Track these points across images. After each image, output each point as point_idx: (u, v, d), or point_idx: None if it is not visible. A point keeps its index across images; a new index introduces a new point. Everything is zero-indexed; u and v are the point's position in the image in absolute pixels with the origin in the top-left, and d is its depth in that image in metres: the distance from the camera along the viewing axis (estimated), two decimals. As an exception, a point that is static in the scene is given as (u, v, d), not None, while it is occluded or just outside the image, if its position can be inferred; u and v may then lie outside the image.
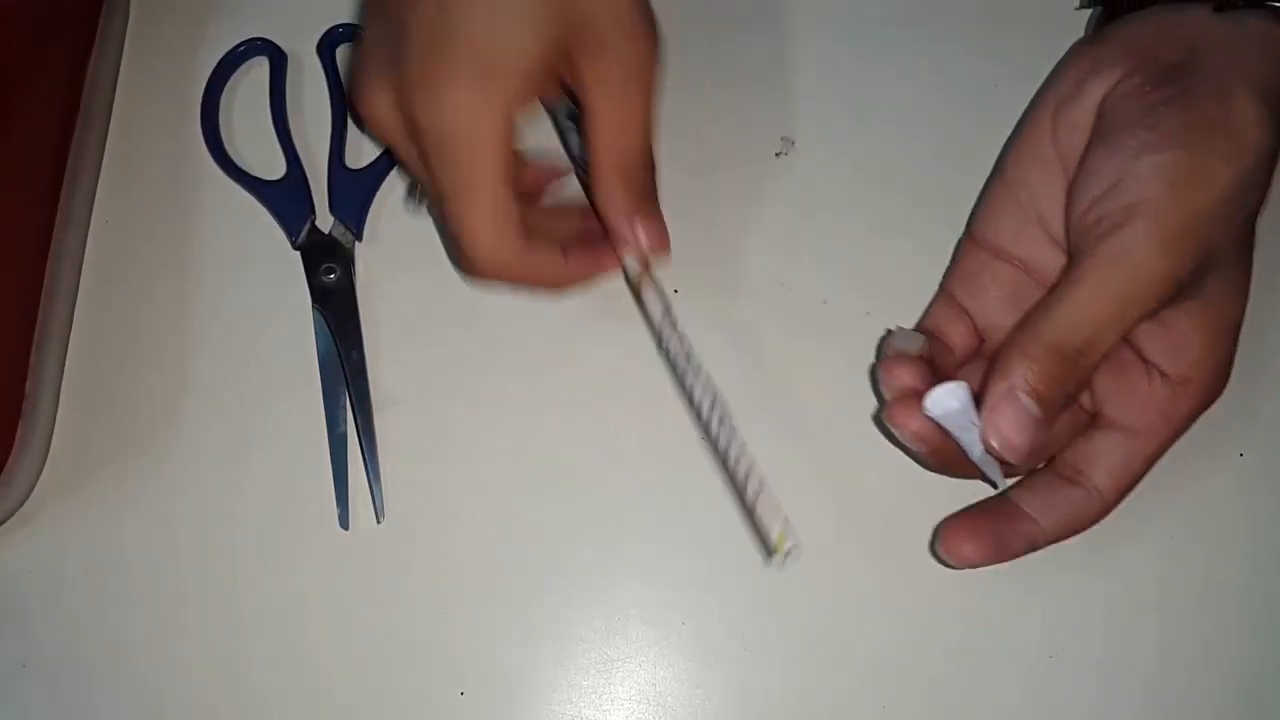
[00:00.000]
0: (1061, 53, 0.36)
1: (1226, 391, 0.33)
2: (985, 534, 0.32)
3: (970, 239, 0.35)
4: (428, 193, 0.33)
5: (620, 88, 0.32)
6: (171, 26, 0.41)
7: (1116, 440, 0.32)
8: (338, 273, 0.37)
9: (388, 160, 0.39)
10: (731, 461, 0.32)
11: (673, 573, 0.35)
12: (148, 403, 0.37)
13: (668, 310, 0.34)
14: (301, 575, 0.35)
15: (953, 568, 0.33)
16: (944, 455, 0.31)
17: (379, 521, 0.35)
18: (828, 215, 0.38)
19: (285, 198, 0.38)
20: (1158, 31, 0.32)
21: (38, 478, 0.36)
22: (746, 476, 0.32)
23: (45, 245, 0.36)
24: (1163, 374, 0.31)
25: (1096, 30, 0.36)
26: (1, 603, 0.36)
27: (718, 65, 0.40)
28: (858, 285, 0.37)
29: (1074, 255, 0.30)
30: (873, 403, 0.36)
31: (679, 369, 0.34)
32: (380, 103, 0.32)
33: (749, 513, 0.32)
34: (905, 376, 0.31)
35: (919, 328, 0.35)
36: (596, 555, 0.35)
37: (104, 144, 0.40)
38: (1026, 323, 0.30)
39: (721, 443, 0.33)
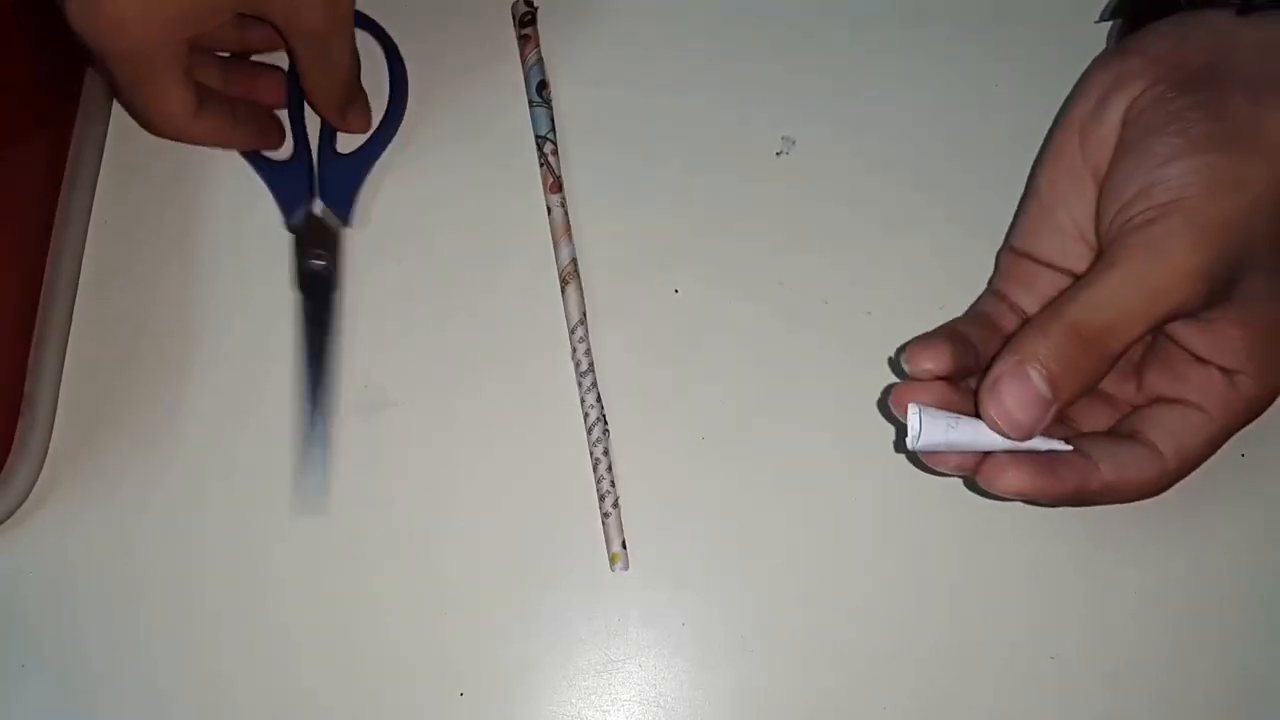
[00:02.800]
0: (1062, 51, 0.36)
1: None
2: (1030, 464, 0.30)
3: (1012, 252, 0.35)
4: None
5: (315, 39, 0.35)
6: (171, 26, 0.41)
7: (1178, 411, 0.31)
8: (326, 259, 0.38)
9: (376, 145, 0.39)
10: (599, 475, 0.35)
11: (673, 573, 0.35)
12: (148, 402, 0.37)
13: (583, 317, 0.37)
14: (301, 575, 0.35)
15: (996, 498, 0.31)
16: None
17: (324, 505, 0.36)
18: (828, 215, 0.38)
19: (288, 178, 0.38)
20: (1181, 38, 0.32)
21: (37, 477, 0.36)
22: (606, 494, 0.35)
23: (44, 245, 0.36)
24: (1216, 366, 0.31)
25: (1119, 42, 0.35)
26: (1, 603, 0.36)
27: (718, 65, 0.40)
28: (858, 285, 0.37)
29: (1104, 250, 0.30)
30: (872, 401, 0.36)
31: (579, 375, 0.36)
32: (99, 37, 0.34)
33: (601, 521, 0.35)
34: (929, 358, 0.31)
35: (968, 315, 0.34)
36: (596, 556, 0.35)
37: (103, 144, 0.40)
38: (1049, 306, 0.29)
39: (595, 456, 0.35)
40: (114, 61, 0.33)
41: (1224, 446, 0.35)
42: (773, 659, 0.34)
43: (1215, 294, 0.29)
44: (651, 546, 0.35)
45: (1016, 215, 0.35)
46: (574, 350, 0.36)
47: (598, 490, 0.35)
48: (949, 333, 0.32)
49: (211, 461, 0.36)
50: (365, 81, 0.39)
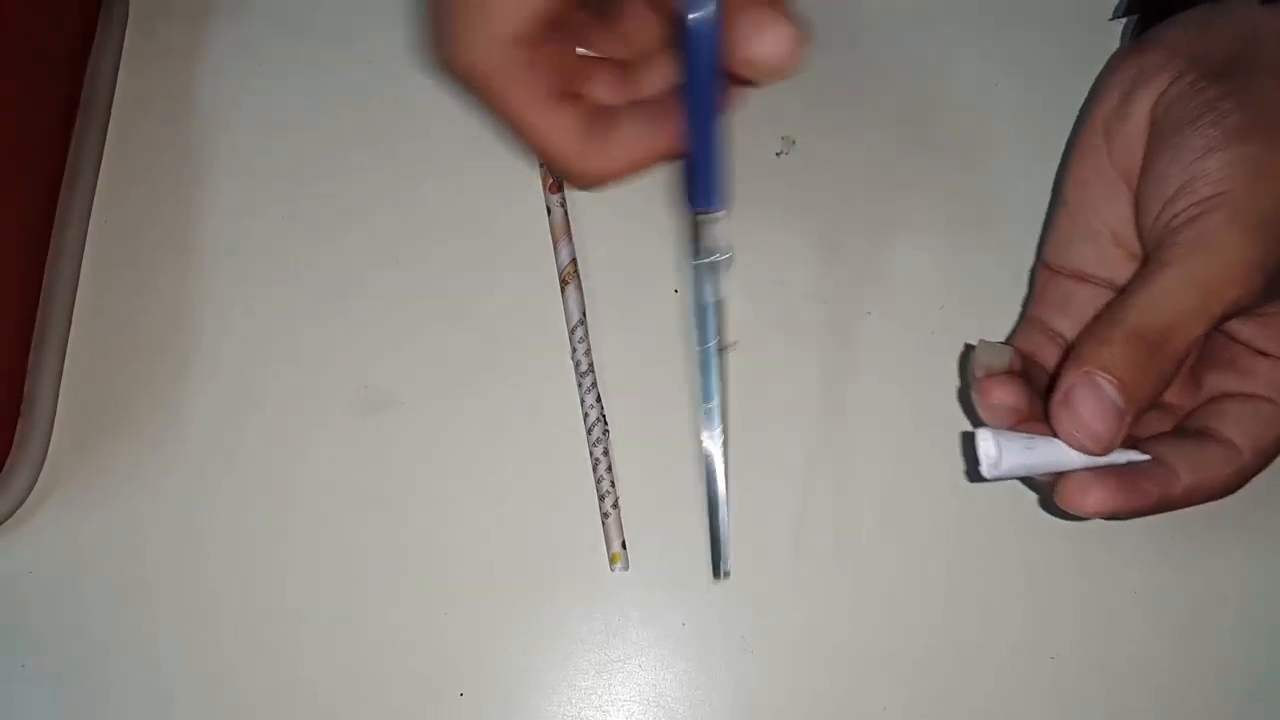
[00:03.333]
0: (1062, 50, 0.37)
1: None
2: (1112, 480, 0.28)
3: (1047, 268, 0.34)
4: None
5: None
6: (171, 26, 0.41)
7: (1247, 404, 0.30)
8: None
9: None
10: (599, 475, 0.35)
11: (673, 573, 0.35)
12: (147, 402, 0.37)
13: (583, 317, 0.36)
14: (300, 575, 0.35)
15: (1077, 519, 0.30)
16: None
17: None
18: (828, 215, 0.38)
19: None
20: (1202, 30, 0.31)
21: (37, 477, 0.36)
22: (606, 494, 0.35)
23: (44, 245, 0.36)
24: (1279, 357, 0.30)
25: (1135, 38, 0.34)
26: (1, 603, 0.36)
27: (718, 65, 0.40)
28: (858, 285, 0.37)
29: (1152, 250, 0.29)
30: (872, 400, 0.36)
31: (579, 375, 0.36)
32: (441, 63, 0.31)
33: (601, 521, 0.35)
34: (1003, 395, 0.30)
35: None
36: (596, 556, 0.35)
37: (103, 143, 0.40)
38: (1105, 312, 0.28)
39: (595, 456, 0.35)
40: (476, 95, 0.29)
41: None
42: (773, 659, 0.34)
43: (1271, 287, 0.28)
44: (651, 546, 0.35)
45: (1045, 228, 0.35)
46: (574, 350, 0.36)
47: (598, 490, 0.35)
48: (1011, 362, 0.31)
49: (211, 461, 0.36)
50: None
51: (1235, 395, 0.30)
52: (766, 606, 0.35)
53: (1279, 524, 0.35)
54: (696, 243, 0.30)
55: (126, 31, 0.41)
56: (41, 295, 0.35)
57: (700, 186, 0.29)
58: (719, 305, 0.30)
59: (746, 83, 0.28)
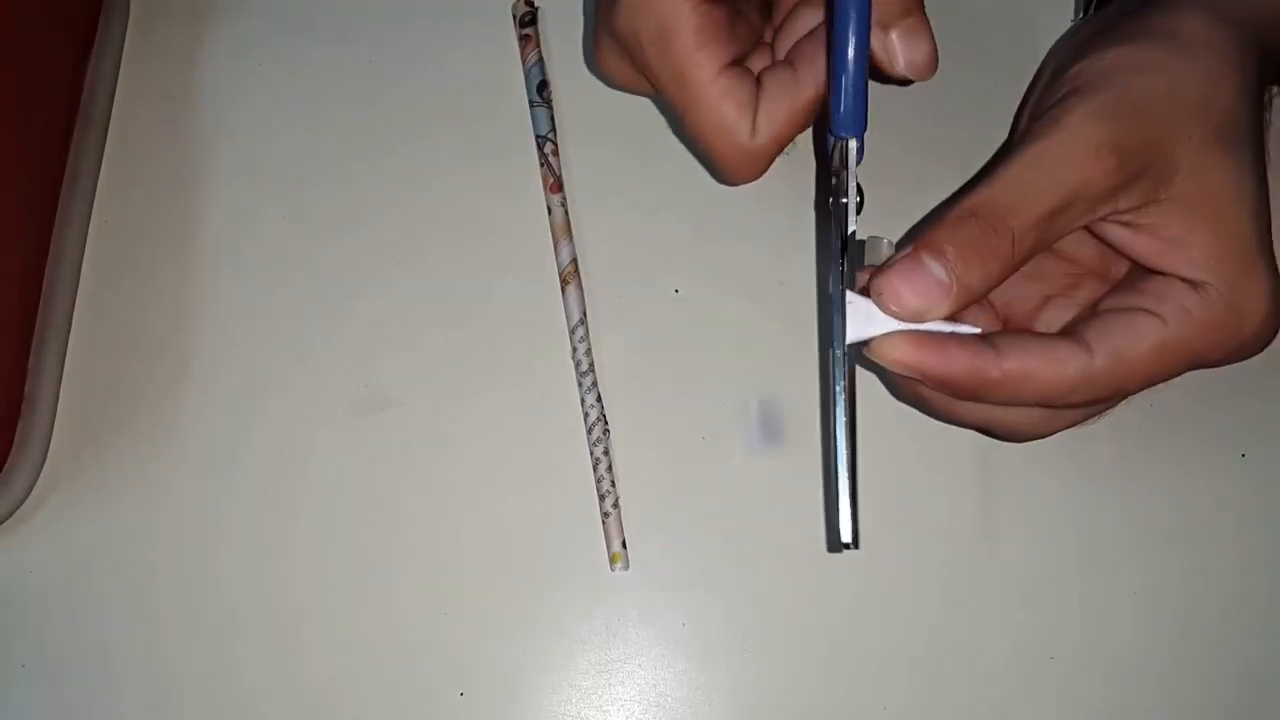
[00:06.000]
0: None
1: (1227, 393, 0.33)
2: (918, 337, 0.28)
3: None
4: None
5: None
6: (171, 26, 0.41)
7: (1124, 314, 0.28)
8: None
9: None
10: (599, 475, 0.35)
11: (673, 573, 0.35)
12: (147, 403, 0.37)
13: (583, 317, 0.36)
14: (301, 576, 0.35)
15: (888, 377, 0.30)
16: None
17: None
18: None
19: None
20: (1120, 3, 0.32)
21: (37, 477, 0.36)
22: (606, 494, 0.35)
23: (45, 245, 0.36)
24: (1180, 278, 0.28)
25: None
26: (1, 603, 0.36)
27: (718, 65, 0.40)
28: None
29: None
30: (872, 401, 0.36)
31: (579, 375, 0.36)
32: (609, 57, 0.33)
33: (601, 521, 0.35)
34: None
35: None
36: (596, 556, 0.35)
37: (104, 144, 0.40)
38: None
39: (595, 456, 0.35)
40: (646, 60, 0.31)
41: (1223, 446, 0.35)
42: (773, 659, 0.34)
43: (1134, 173, 0.27)
44: (651, 546, 0.35)
45: None
46: (574, 350, 0.36)
47: (598, 490, 0.35)
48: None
49: (211, 461, 0.36)
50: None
51: (1122, 309, 0.29)
52: (766, 606, 0.35)
53: (1279, 523, 0.35)
54: (833, 179, 0.30)
55: (126, 31, 0.41)
56: (42, 296, 0.35)
57: (843, 111, 0.29)
58: (852, 241, 0.30)
59: (888, 79, 0.31)
